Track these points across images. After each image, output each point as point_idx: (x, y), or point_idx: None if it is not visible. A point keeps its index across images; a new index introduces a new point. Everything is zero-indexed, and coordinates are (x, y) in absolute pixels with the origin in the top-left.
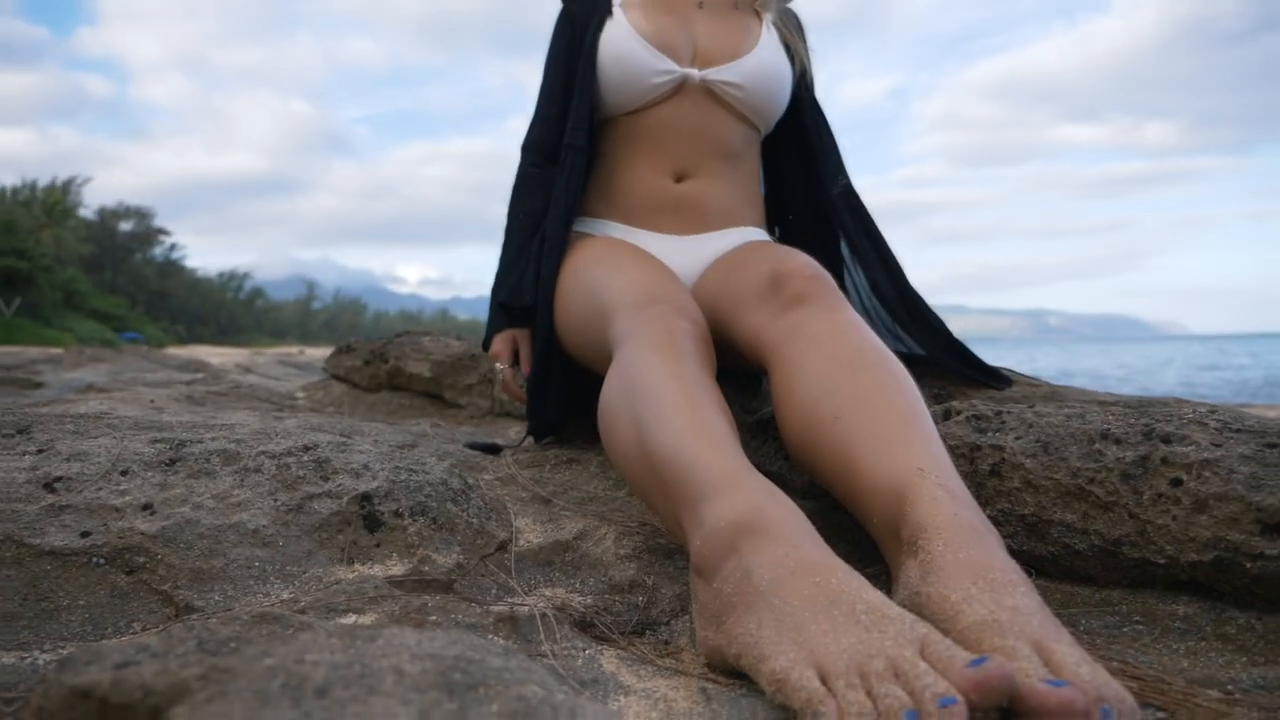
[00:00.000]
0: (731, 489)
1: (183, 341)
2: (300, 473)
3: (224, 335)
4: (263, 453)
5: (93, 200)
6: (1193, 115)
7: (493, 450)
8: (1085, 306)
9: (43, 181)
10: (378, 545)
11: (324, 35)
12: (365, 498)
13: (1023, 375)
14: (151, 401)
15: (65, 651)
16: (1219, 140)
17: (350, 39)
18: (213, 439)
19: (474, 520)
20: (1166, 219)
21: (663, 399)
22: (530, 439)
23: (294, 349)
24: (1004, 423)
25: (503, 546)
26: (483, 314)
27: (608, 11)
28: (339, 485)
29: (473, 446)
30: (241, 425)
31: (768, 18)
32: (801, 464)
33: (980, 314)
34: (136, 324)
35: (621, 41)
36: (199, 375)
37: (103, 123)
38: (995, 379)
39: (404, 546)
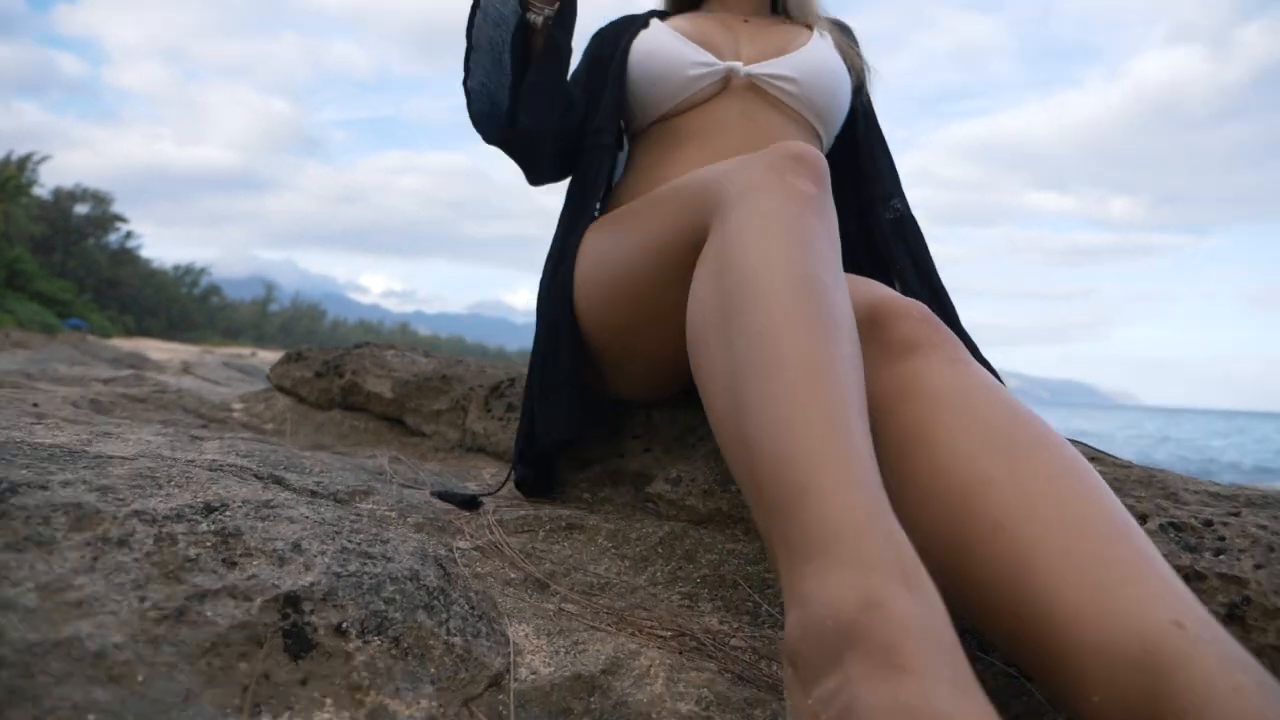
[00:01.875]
0: (853, 552)
1: (130, 333)
2: (192, 551)
3: (175, 330)
4: (136, 513)
5: (49, 180)
6: (1156, 193)
7: (470, 505)
8: (1043, 371)
9: None
10: (303, 683)
11: (310, 36)
12: (290, 600)
13: (1103, 452)
14: (35, 405)
15: None
16: (1179, 219)
17: (337, 42)
18: (65, 482)
19: (455, 639)
20: (1125, 291)
21: (780, 339)
22: (512, 484)
23: (246, 350)
24: (1222, 539)
25: (496, 682)
26: (445, 331)
27: (644, 24)
28: (250, 577)
29: (443, 497)
30: (126, 458)
31: (818, 28)
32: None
33: None
34: (83, 311)
35: (655, 38)
36: (125, 373)
37: (71, 102)
38: None
39: (346, 687)
